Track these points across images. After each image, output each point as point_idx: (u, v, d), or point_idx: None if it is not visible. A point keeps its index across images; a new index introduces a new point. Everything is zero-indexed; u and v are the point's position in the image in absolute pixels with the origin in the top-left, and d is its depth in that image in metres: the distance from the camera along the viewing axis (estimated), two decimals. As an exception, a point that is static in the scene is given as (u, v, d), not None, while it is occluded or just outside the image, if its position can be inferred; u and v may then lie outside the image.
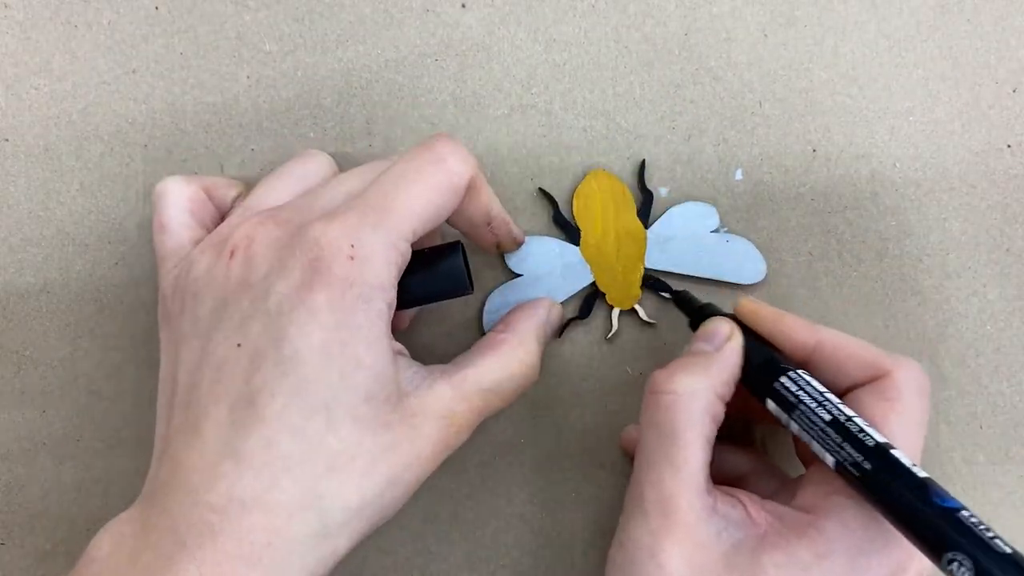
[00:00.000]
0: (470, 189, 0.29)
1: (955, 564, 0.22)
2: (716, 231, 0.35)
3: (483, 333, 0.35)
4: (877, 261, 0.35)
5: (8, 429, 0.35)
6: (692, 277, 0.35)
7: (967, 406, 0.35)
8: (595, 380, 0.35)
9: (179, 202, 0.31)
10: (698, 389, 0.27)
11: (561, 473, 0.35)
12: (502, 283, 0.35)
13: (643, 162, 0.35)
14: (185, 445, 0.26)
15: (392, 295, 0.27)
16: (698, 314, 0.31)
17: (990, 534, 0.23)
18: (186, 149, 0.35)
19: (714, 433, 0.28)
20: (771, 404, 0.28)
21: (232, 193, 0.32)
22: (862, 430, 0.26)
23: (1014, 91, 0.36)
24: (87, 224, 0.35)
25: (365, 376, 0.26)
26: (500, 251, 0.34)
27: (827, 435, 0.26)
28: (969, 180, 0.36)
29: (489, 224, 0.31)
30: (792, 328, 0.29)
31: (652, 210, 0.35)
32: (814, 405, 0.27)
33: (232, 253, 0.27)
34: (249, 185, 0.32)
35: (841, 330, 0.29)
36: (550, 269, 0.35)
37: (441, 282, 0.30)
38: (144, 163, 0.35)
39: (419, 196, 0.27)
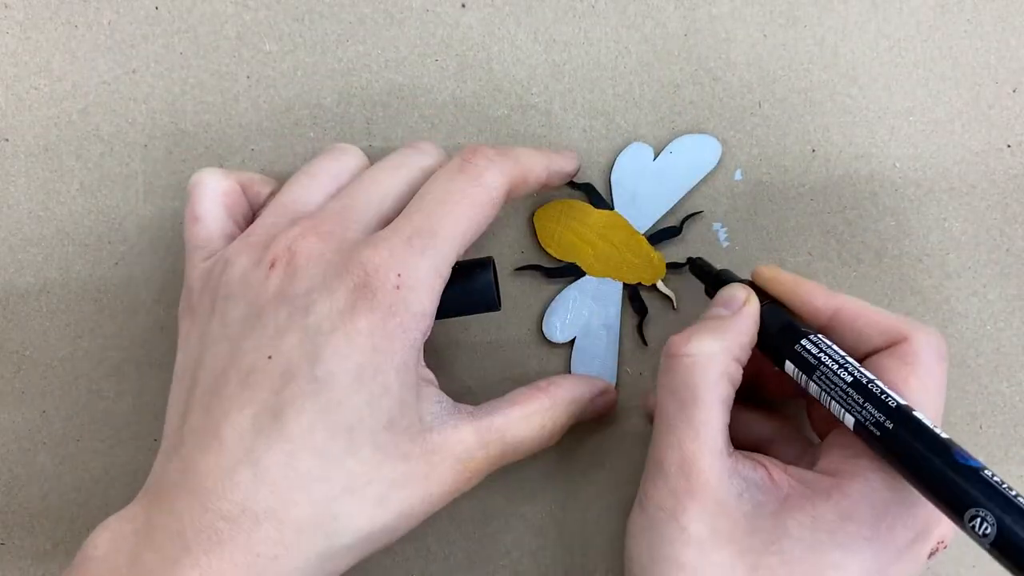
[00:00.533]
0: (514, 188, 0.29)
1: (977, 520, 0.22)
2: (659, 155, 0.35)
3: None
4: (877, 261, 0.35)
5: (8, 429, 0.35)
6: (682, 205, 0.35)
7: (967, 406, 0.35)
8: (595, 380, 0.35)
9: (215, 195, 0.31)
10: (715, 351, 0.27)
11: (561, 473, 0.35)
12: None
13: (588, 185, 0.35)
14: (201, 447, 0.25)
15: (430, 322, 0.27)
16: (715, 280, 0.32)
17: (1013, 492, 0.23)
18: (186, 149, 0.35)
19: (732, 396, 0.28)
20: (790, 366, 0.28)
21: (266, 191, 0.32)
22: (884, 391, 0.26)
23: (1014, 91, 0.36)
24: (87, 224, 0.35)
25: (390, 403, 0.26)
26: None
27: (848, 395, 0.26)
28: (969, 180, 0.36)
29: (544, 186, 0.32)
30: (811, 294, 0.29)
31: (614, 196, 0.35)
32: (835, 367, 0.27)
33: (273, 263, 0.27)
34: (281, 183, 0.32)
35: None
36: (588, 317, 0.35)
37: (471, 298, 0.30)
38: (144, 163, 0.35)
39: (462, 217, 0.28)
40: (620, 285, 0.35)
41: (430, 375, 0.29)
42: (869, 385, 0.26)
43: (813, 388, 0.27)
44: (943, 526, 0.27)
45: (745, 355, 0.28)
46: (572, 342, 0.35)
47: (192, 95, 0.36)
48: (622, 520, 0.35)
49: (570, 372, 0.35)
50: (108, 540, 0.25)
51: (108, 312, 0.35)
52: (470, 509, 0.35)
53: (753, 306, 0.29)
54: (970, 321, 0.35)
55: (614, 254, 0.35)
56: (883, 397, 0.25)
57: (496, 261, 0.31)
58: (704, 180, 0.35)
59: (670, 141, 0.35)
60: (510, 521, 0.35)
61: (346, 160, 0.31)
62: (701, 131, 0.35)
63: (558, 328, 0.35)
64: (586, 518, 0.35)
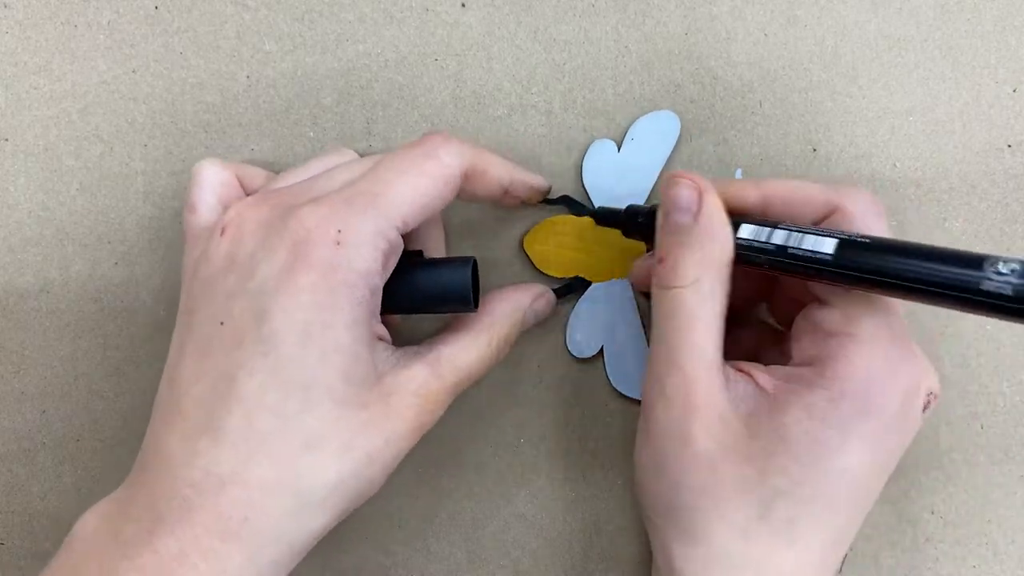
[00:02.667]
0: (473, 176, 0.29)
1: (1000, 263, 0.22)
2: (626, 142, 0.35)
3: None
4: (877, 261, 0.35)
5: (8, 429, 0.35)
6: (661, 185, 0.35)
7: (967, 406, 0.35)
8: (594, 380, 0.35)
9: (212, 185, 0.31)
10: (702, 276, 0.27)
11: (561, 473, 0.35)
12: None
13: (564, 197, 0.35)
14: (166, 423, 0.26)
15: (377, 281, 0.27)
16: (629, 219, 0.32)
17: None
18: (186, 149, 0.35)
19: (726, 308, 0.28)
20: (747, 229, 0.28)
21: (263, 183, 0.32)
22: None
23: (1014, 91, 0.36)
24: (87, 224, 0.35)
25: (343, 358, 0.26)
26: (532, 204, 0.34)
27: (818, 227, 0.26)
28: (969, 180, 0.36)
29: (507, 193, 0.32)
30: (742, 190, 0.29)
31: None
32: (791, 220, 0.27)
33: (223, 231, 0.28)
34: None
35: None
36: (607, 323, 0.35)
37: (446, 295, 0.30)
38: (144, 163, 0.35)
39: (409, 184, 0.28)
40: (627, 282, 0.35)
41: (384, 331, 0.29)
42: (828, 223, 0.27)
43: (780, 234, 0.27)
44: (930, 378, 0.27)
45: (730, 263, 0.28)
46: (601, 352, 0.35)
47: (192, 95, 0.36)
48: (622, 520, 0.35)
49: (611, 382, 0.35)
50: (94, 521, 0.26)
51: (108, 312, 0.35)
52: (470, 509, 0.35)
53: (710, 204, 0.28)
54: (970, 321, 0.35)
55: (611, 252, 0.35)
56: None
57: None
58: (671, 158, 0.35)
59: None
60: (510, 521, 0.35)
61: (335, 158, 0.32)
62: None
63: (583, 343, 0.35)
64: (586, 518, 0.35)
